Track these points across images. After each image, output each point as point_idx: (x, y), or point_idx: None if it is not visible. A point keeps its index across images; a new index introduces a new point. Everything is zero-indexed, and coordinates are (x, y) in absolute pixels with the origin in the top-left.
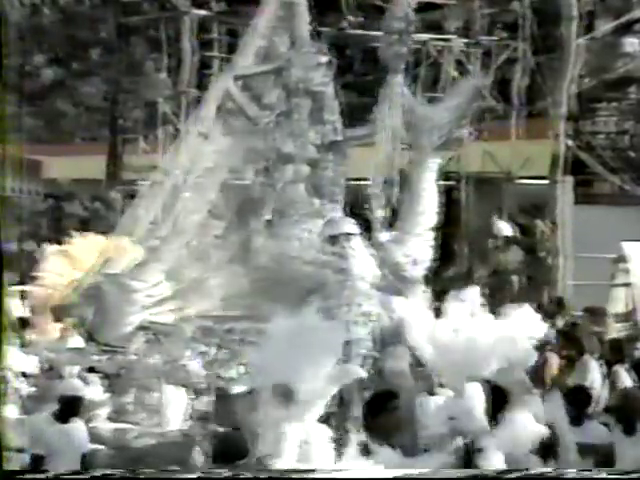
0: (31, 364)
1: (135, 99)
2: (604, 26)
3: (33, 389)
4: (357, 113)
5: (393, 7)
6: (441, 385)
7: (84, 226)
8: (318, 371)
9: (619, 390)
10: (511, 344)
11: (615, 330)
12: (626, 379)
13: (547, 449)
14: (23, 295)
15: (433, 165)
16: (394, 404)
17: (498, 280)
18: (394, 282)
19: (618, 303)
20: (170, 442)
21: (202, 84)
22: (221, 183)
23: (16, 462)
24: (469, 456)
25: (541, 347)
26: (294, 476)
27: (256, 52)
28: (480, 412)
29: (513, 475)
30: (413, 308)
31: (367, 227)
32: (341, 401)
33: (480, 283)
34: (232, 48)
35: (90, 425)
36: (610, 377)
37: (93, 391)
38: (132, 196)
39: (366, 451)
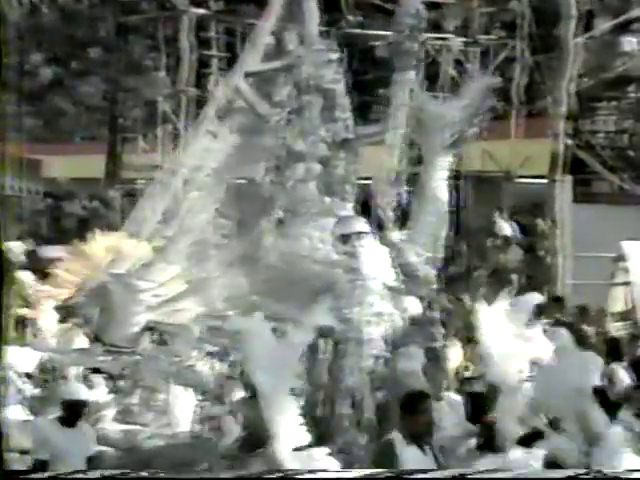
0: (35, 365)
1: (134, 98)
2: (602, 25)
3: (37, 390)
4: (356, 112)
5: (404, 3)
6: (447, 388)
7: (83, 225)
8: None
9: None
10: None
11: (615, 329)
12: (625, 377)
13: None
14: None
15: (444, 164)
16: (426, 404)
17: (498, 279)
18: (406, 282)
19: (617, 302)
20: (180, 444)
21: (201, 83)
22: (229, 182)
23: (20, 464)
24: None
25: None
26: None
27: (265, 49)
28: None
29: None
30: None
31: (379, 226)
32: (353, 403)
33: (480, 282)
34: (230, 47)
35: (97, 427)
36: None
37: (98, 392)
38: (131, 195)
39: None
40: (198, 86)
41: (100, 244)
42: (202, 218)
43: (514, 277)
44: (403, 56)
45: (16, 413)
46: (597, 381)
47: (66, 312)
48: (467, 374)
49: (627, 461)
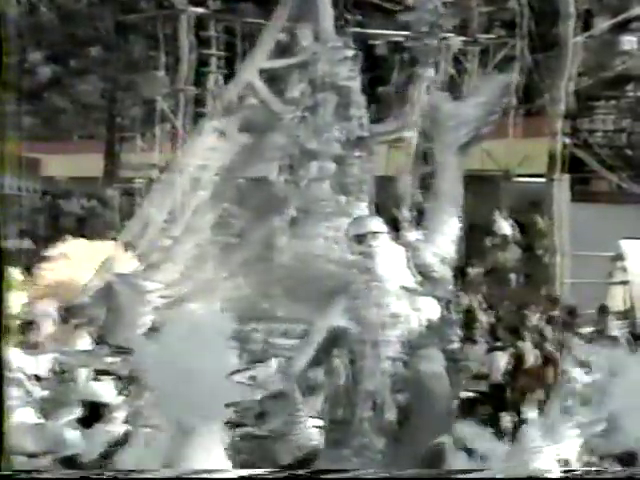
0: (43, 367)
1: (133, 97)
2: (602, 24)
3: (46, 392)
4: None
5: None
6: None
7: (81, 224)
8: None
9: None
10: None
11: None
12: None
13: None
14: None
15: (458, 163)
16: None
17: (496, 278)
18: (423, 282)
19: (616, 301)
20: None
21: (200, 82)
22: (238, 181)
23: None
24: None
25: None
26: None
27: (278, 46)
28: None
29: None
30: None
31: (394, 225)
32: (374, 405)
33: (478, 281)
34: (229, 46)
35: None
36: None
37: (108, 394)
38: (129, 194)
39: None
40: (197, 85)
41: (78, 247)
42: (209, 218)
43: (512, 276)
44: (422, 53)
45: (25, 416)
46: None
47: (70, 313)
48: None
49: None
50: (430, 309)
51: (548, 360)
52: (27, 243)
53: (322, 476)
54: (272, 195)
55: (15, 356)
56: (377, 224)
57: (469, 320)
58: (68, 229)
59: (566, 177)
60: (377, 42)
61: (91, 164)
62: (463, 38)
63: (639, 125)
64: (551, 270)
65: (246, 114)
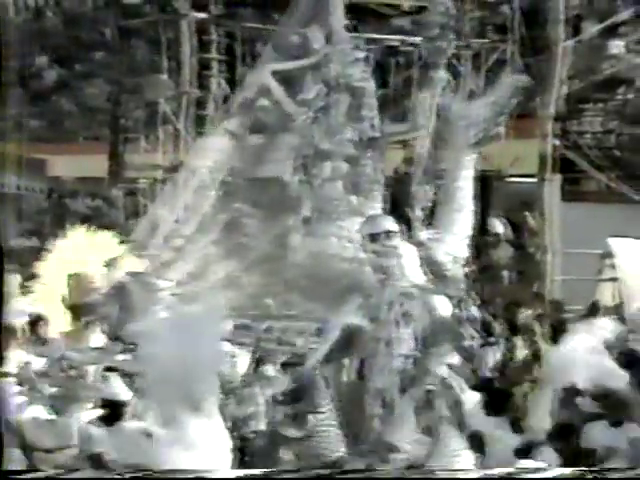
0: (53, 364)
1: (137, 100)
2: (591, 29)
3: (56, 389)
4: None
5: (434, 1)
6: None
7: (86, 223)
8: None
9: None
10: None
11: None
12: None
13: None
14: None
15: (469, 162)
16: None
17: (489, 275)
18: (435, 281)
19: (605, 297)
20: None
21: (201, 85)
22: (250, 181)
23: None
24: None
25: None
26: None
27: (291, 48)
28: None
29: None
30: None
31: (407, 225)
32: (384, 402)
33: (471, 278)
34: (230, 50)
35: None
36: None
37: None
38: (133, 194)
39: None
40: (199, 88)
41: (78, 241)
42: (221, 218)
43: (505, 273)
44: (434, 54)
45: (37, 412)
46: None
47: (81, 310)
48: None
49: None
50: (442, 307)
51: (537, 355)
52: (34, 241)
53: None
54: (286, 195)
55: (24, 353)
56: (390, 223)
57: None
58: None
59: (557, 177)
60: (373, 47)
61: (96, 165)
62: (456, 42)
63: (627, 127)
64: (542, 267)
65: (258, 115)
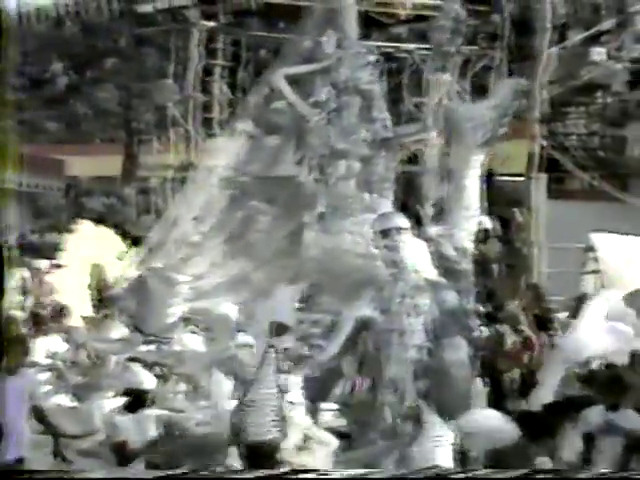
0: (77, 354)
1: (146, 104)
2: (575, 37)
3: (80, 378)
4: None
5: (445, 7)
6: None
7: (100, 219)
8: None
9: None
10: None
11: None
12: None
13: None
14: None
15: (476, 162)
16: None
17: (479, 269)
18: (444, 275)
19: (588, 288)
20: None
21: (204, 89)
22: (265, 180)
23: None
24: None
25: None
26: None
27: (303, 52)
28: None
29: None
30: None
31: (417, 221)
32: (395, 391)
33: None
34: (234, 56)
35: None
36: None
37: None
38: (145, 192)
39: None
40: (202, 92)
41: (97, 234)
42: (238, 215)
43: (494, 266)
44: (442, 58)
45: (62, 400)
46: None
47: (102, 303)
48: None
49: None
50: (452, 300)
51: (526, 343)
52: (53, 237)
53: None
54: (301, 192)
55: (50, 342)
56: (401, 220)
57: None
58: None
59: (543, 176)
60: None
61: (111, 165)
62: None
63: (609, 129)
64: (529, 261)
65: (272, 117)
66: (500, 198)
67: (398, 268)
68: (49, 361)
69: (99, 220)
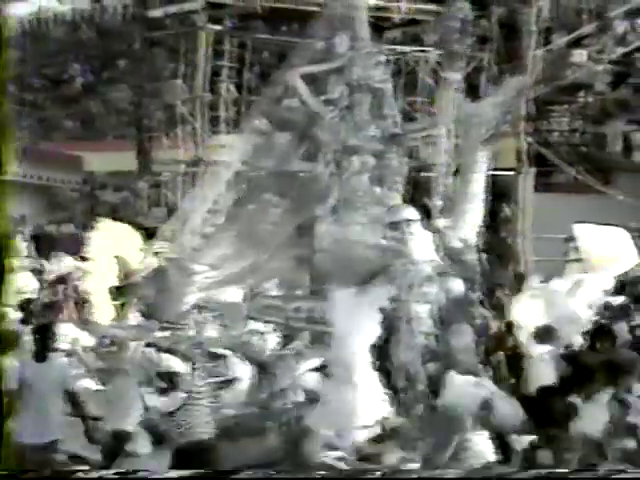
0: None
1: (157, 102)
2: (559, 40)
3: (101, 363)
4: None
5: (453, 7)
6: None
7: (115, 212)
8: None
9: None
10: None
11: None
12: None
13: None
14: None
15: (482, 157)
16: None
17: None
18: (451, 265)
19: (572, 276)
20: (249, 413)
21: (211, 89)
22: (278, 174)
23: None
24: None
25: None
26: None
27: (314, 53)
28: None
29: None
30: None
31: (425, 213)
32: (408, 375)
33: None
34: (240, 58)
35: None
36: None
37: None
38: (157, 186)
39: None
40: (211, 92)
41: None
42: (251, 208)
43: (482, 256)
44: (451, 58)
45: (87, 384)
46: None
47: (121, 291)
48: None
49: None
50: (457, 289)
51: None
52: (70, 228)
53: None
54: (315, 187)
55: (71, 329)
56: (411, 212)
57: None
58: (104, 216)
59: (531, 170)
60: None
61: (124, 160)
62: (439, 52)
63: (590, 126)
64: (516, 250)
65: (285, 114)
66: (490, 191)
67: (407, 258)
68: (68, 347)
69: (113, 212)
